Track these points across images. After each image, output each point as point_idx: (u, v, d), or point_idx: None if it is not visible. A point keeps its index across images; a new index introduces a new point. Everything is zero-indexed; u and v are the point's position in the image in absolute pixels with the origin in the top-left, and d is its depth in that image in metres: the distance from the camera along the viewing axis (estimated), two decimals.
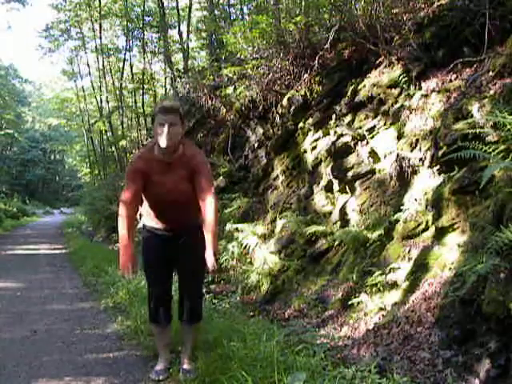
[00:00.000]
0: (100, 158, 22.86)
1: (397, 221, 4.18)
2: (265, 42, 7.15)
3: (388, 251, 4.09)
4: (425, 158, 4.18)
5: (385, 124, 4.90)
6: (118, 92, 18.50)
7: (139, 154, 2.88)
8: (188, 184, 2.74)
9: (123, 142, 18.04)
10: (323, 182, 5.44)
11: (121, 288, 5.02)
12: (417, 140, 4.31)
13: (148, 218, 2.92)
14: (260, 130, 7.41)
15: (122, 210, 2.74)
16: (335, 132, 5.44)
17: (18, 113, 35.43)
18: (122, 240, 2.73)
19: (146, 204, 2.88)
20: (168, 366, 2.94)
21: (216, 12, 13.25)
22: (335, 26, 6.07)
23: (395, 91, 4.90)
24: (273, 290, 5.10)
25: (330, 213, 5.25)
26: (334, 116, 5.74)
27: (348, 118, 5.52)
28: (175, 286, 3.15)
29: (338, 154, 5.27)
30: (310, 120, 6.09)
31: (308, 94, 6.18)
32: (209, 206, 2.65)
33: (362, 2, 6.14)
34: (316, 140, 5.82)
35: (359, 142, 5.13)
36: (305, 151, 6.07)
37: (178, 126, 2.69)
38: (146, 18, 16.84)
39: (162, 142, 2.65)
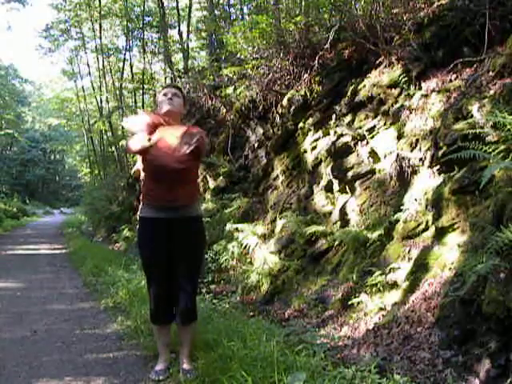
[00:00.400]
0: (100, 158, 22.86)
1: (397, 221, 4.19)
2: (265, 42, 7.15)
3: (388, 251, 4.09)
4: (425, 157, 4.18)
5: (385, 124, 4.90)
6: (117, 92, 18.51)
7: (146, 115, 2.91)
8: (189, 155, 2.65)
9: (123, 142, 18.04)
10: (323, 182, 5.44)
11: (121, 288, 5.02)
12: (417, 140, 4.31)
13: (146, 201, 2.86)
14: (260, 130, 7.41)
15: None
16: (335, 132, 5.44)
17: (18, 113, 35.45)
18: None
19: (144, 182, 2.86)
20: (168, 366, 2.93)
21: (216, 12, 13.25)
22: (335, 26, 6.07)
23: (395, 91, 4.91)
24: (273, 290, 5.10)
25: (330, 213, 5.25)
26: (334, 116, 5.74)
27: (348, 118, 5.52)
28: None
29: (338, 153, 5.27)
30: (310, 120, 6.09)
31: (308, 93, 6.18)
32: None
33: (362, 2, 6.15)
34: (316, 140, 5.82)
35: (359, 142, 5.13)
36: (305, 151, 6.07)
37: (180, 98, 2.88)
38: (146, 18, 16.85)
39: (165, 106, 2.81)
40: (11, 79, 36.09)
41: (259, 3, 9.74)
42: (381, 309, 3.66)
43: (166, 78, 16.96)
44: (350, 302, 3.96)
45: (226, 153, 8.17)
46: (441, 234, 3.66)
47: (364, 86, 5.33)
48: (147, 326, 3.40)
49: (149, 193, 2.85)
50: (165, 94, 2.86)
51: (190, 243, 2.84)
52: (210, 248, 6.43)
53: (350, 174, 5.08)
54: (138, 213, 2.95)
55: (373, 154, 4.91)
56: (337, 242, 4.78)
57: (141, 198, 2.95)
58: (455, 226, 3.55)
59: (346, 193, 5.13)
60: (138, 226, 2.99)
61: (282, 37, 6.83)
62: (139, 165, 2.93)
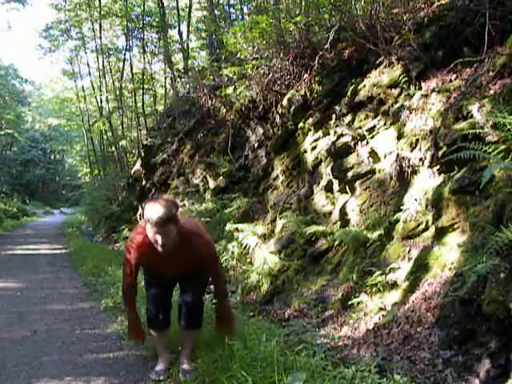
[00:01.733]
0: (100, 158, 22.86)
1: (397, 221, 4.18)
2: (265, 42, 7.15)
3: (388, 251, 4.09)
4: (425, 157, 4.17)
5: (385, 124, 4.90)
6: (117, 92, 18.50)
7: (139, 241, 2.76)
8: (191, 265, 2.81)
9: (123, 142, 18.05)
10: (323, 182, 5.44)
11: (121, 288, 5.01)
12: (417, 140, 4.31)
13: None
14: (260, 130, 7.41)
15: (125, 288, 2.95)
16: (335, 132, 5.44)
17: (18, 113, 35.41)
18: (127, 310, 3.03)
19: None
20: (168, 366, 2.94)
21: (216, 12, 13.25)
22: (335, 26, 6.07)
23: (395, 91, 4.90)
24: (273, 290, 5.10)
25: (330, 213, 5.25)
26: (334, 116, 5.73)
27: (348, 118, 5.52)
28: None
29: (338, 153, 5.27)
30: (310, 120, 6.09)
31: (308, 93, 6.18)
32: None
33: (362, 2, 6.14)
34: (316, 140, 5.82)
35: (359, 142, 5.13)
36: (305, 151, 6.07)
37: (171, 230, 2.60)
38: (146, 18, 16.83)
39: (159, 247, 2.62)
40: (11, 79, 36.08)
41: (259, 3, 9.73)
42: (381, 309, 3.66)
43: (165, 78, 16.97)
44: (350, 302, 3.96)
45: (226, 153, 8.17)
46: (441, 234, 3.66)
47: (364, 86, 5.33)
48: (147, 327, 3.39)
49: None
50: (154, 233, 2.57)
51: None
52: None
53: (349, 174, 5.08)
54: None
55: (373, 154, 4.91)
56: (337, 242, 4.78)
57: None
58: (455, 226, 3.55)
59: (346, 193, 5.12)
60: None
61: (281, 37, 6.83)
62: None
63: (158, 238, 2.57)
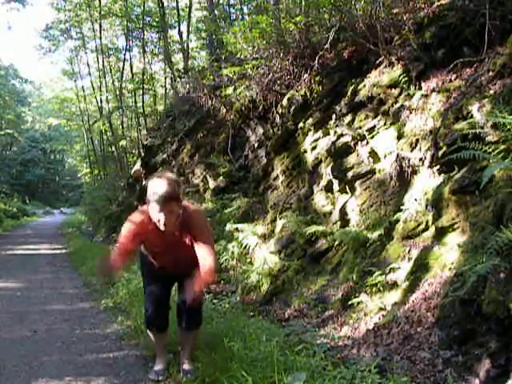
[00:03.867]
0: (100, 158, 22.86)
1: (397, 221, 4.18)
2: (265, 42, 7.15)
3: (388, 251, 4.09)
4: (425, 157, 4.17)
5: (385, 124, 4.90)
6: (117, 92, 18.50)
7: (138, 220, 2.70)
8: (188, 243, 2.73)
9: (123, 142, 18.06)
10: (323, 182, 5.44)
11: (121, 288, 5.02)
12: (417, 140, 4.31)
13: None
14: (260, 130, 7.41)
15: (117, 254, 2.70)
16: (335, 132, 5.44)
17: (18, 113, 35.40)
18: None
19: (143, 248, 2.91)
20: (167, 366, 2.94)
21: (216, 12, 13.25)
22: (335, 26, 6.07)
23: (395, 91, 4.90)
24: (273, 290, 5.10)
25: (330, 213, 5.25)
26: (334, 116, 5.73)
27: (348, 118, 5.52)
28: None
29: (338, 153, 5.27)
30: (310, 120, 6.09)
31: (308, 93, 6.18)
32: (208, 263, 2.58)
33: (362, 2, 6.15)
34: (316, 140, 5.82)
35: (359, 142, 5.13)
36: (305, 151, 6.07)
37: (175, 210, 2.55)
38: (146, 18, 16.82)
39: (161, 227, 2.55)
40: (11, 79, 36.07)
41: (259, 3, 9.73)
42: (381, 309, 3.66)
43: (166, 78, 16.98)
44: (350, 302, 3.95)
45: (226, 153, 8.17)
46: (441, 234, 3.66)
47: (364, 85, 5.33)
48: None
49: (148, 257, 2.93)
50: (158, 211, 2.50)
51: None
52: None
53: (350, 174, 5.08)
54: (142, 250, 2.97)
55: (373, 153, 4.91)
56: (337, 242, 4.78)
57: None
58: (455, 226, 3.55)
59: (346, 193, 5.12)
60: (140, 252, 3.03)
61: (282, 37, 6.83)
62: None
63: (161, 216, 2.49)
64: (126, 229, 2.71)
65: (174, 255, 2.77)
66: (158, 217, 2.52)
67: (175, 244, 2.72)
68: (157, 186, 2.49)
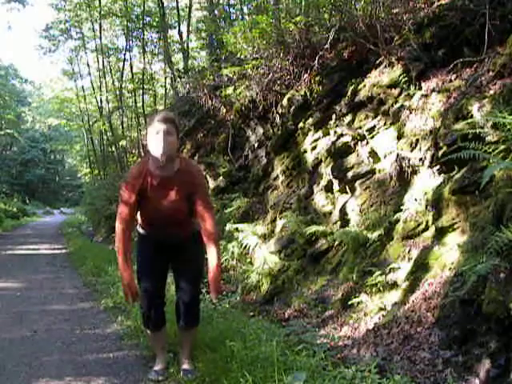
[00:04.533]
0: (100, 158, 22.84)
1: (397, 221, 4.19)
2: (265, 42, 7.14)
3: (388, 251, 4.09)
4: (425, 157, 4.17)
5: (385, 124, 4.90)
6: (117, 92, 18.48)
7: (134, 170, 2.81)
8: (185, 200, 2.73)
9: (123, 142, 18.04)
10: (323, 182, 5.44)
11: (121, 288, 5.01)
12: (417, 140, 4.31)
13: (143, 227, 2.93)
14: (260, 130, 7.41)
15: (119, 228, 2.75)
16: (335, 132, 5.44)
17: (18, 113, 35.40)
18: (120, 265, 2.77)
19: (140, 214, 2.87)
20: (166, 366, 2.94)
21: (216, 12, 13.24)
22: (335, 26, 6.07)
23: (395, 91, 4.90)
24: (273, 290, 5.10)
25: (330, 213, 5.25)
26: (333, 116, 5.74)
27: (348, 118, 5.52)
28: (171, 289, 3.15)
29: (338, 153, 5.27)
30: (310, 120, 6.09)
31: (308, 93, 6.18)
32: (208, 226, 2.69)
33: (362, 2, 6.14)
34: (316, 140, 5.82)
35: (359, 142, 5.13)
36: (305, 151, 6.07)
37: (173, 136, 2.65)
38: (146, 18, 16.81)
39: (158, 150, 2.60)
40: (11, 79, 36.08)
41: (259, 3, 9.73)
42: (381, 309, 3.66)
43: (166, 78, 16.96)
44: (349, 302, 3.96)
45: (226, 153, 8.17)
46: (441, 234, 3.66)
47: (364, 85, 5.33)
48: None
49: (144, 226, 2.90)
50: (156, 132, 2.61)
51: (191, 252, 2.87)
52: None
53: (350, 174, 5.08)
54: (137, 228, 2.97)
55: (373, 154, 4.91)
56: (337, 242, 4.78)
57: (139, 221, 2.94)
58: (455, 226, 3.55)
59: (346, 193, 5.12)
60: (136, 239, 3.02)
61: (282, 37, 6.82)
62: None
63: (160, 142, 2.57)
64: (126, 184, 2.76)
65: (171, 217, 2.74)
66: (157, 144, 2.59)
67: (174, 200, 2.72)
68: (160, 113, 2.74)
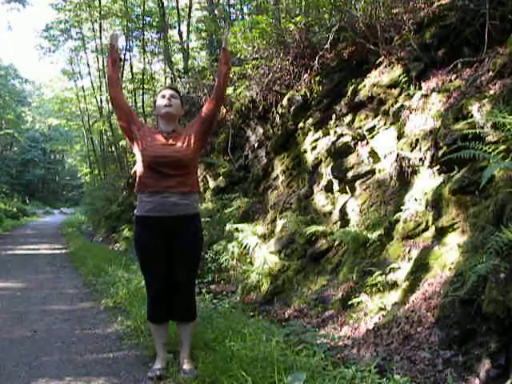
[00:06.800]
0: (100, 158, 22.86)
1: (397, 221, 4.19)
2: (265, 42, 7.15)
3: (388, 251, 4.09)
4: (425, 157, 4.18)
5: (385, 124, 4.90)
6: None
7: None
8: (188, 148, 2.80)
9: (123, 142, 18.03)
10: (323, 182, 5.44)
11: (121, 288, 5.02)
12: (417, 140, 4.31)
13: (141, 190, 2.82)
14: (260, 130, 7.41)
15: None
16: (335, 132, 5.44)
17: (18, 113, 35.42)
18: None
19: (140, 170, 2.83)
20: (166, 365, 2.93)
21: (216, 12, 13.24)
22: (335, 26, 6.07)
23: (395, 91, 4.91)
24: (273, 290, 5.10)
25: (330, 213, 5.25)
26: (334, 116, 5.74)
27: (348, 118, 5.52)
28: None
29: (338, 153, 5.27)
30: (310, 120, 6.09)
31: (308, 93, 6.18)
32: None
33: (362, 2, 6.14)
34: (316, 140, 5.83)
35: (359, 142, 5.13)
36: (305, 151, 6.07)
37: (178, 99, 2.89)
38: (146, 18, 16.82)
39: (164, 108, 2.82)
40: (11, 79, 36.09)
41: (259, 3, 9.73)
42: (381, 309, 3.66)
43: (166, 78, 16.97)
44: (349, 302, 3.96)
45: (226, 153, 8.17)
46: (441, 234, 3.66)
47: (364, 85, 5.33)
48: (147, 326, 3.39)
49: (143, 180, 2.81)
50: (163, 96, 2.86)
51: (188, 243, 2.84)
52: (210, 248, 6.43)
53: (350, 174, 5.08)
54: (135, 211, 2.93)
55: (373, 153, 4.91)
56: (337, 242, 4.78)
57: (136, 188, 2.88)
58: (455, 226, 3.55)
59: (346, 193, 5.13)
60: (134, 225, 2.98)
61: (282, 37, 6.83)
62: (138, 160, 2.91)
63: (167, 100, 2.81)
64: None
65: (172, 165, 2.74)
66: (163, 99, 2.83)
67: (176, 148, 2.78)
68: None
